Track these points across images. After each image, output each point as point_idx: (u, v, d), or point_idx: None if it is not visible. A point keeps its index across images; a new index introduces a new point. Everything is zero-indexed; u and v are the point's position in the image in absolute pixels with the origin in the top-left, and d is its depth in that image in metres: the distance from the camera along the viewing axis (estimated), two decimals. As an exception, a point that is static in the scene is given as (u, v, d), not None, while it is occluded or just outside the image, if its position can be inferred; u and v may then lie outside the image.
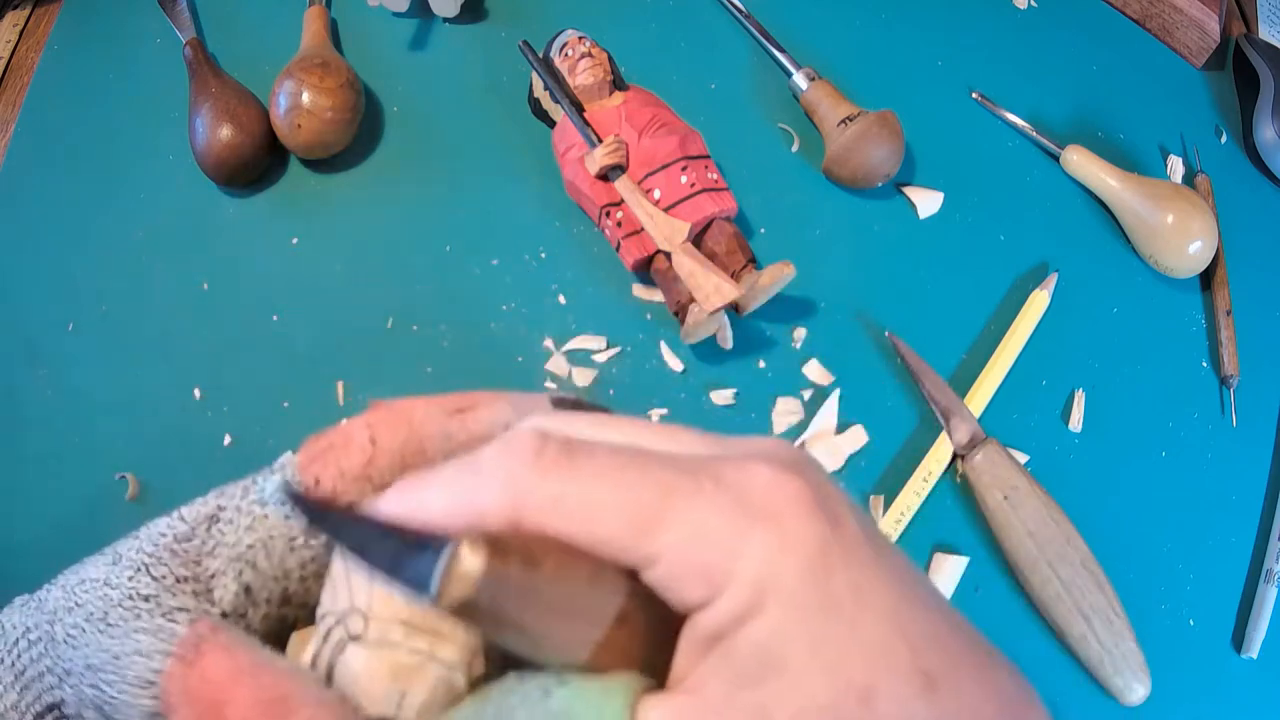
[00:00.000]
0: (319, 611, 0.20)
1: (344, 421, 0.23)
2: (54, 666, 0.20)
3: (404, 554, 0.14)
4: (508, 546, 0.15)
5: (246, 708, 0.19)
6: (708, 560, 0.16)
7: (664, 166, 0.41)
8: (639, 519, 0.16)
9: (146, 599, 0.21)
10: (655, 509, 0.16)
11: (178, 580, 0.22)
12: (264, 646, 0.22)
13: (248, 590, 0.22)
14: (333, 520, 0.15)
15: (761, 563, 0.16)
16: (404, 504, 0.17)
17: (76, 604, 0.21)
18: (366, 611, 0.19)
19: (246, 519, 0.22)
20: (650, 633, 0.17)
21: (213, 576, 0.22)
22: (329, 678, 0.20)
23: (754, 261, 0.41)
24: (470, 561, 0.14)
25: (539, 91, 0.45)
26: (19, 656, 0.20)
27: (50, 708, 0.21)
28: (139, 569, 0.21)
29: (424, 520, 0.17)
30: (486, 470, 0.17)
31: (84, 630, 0.21)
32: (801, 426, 0.40)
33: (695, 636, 0.16)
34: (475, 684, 0.19)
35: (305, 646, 0.21)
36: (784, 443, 0.19)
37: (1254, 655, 0.38)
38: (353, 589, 0.20)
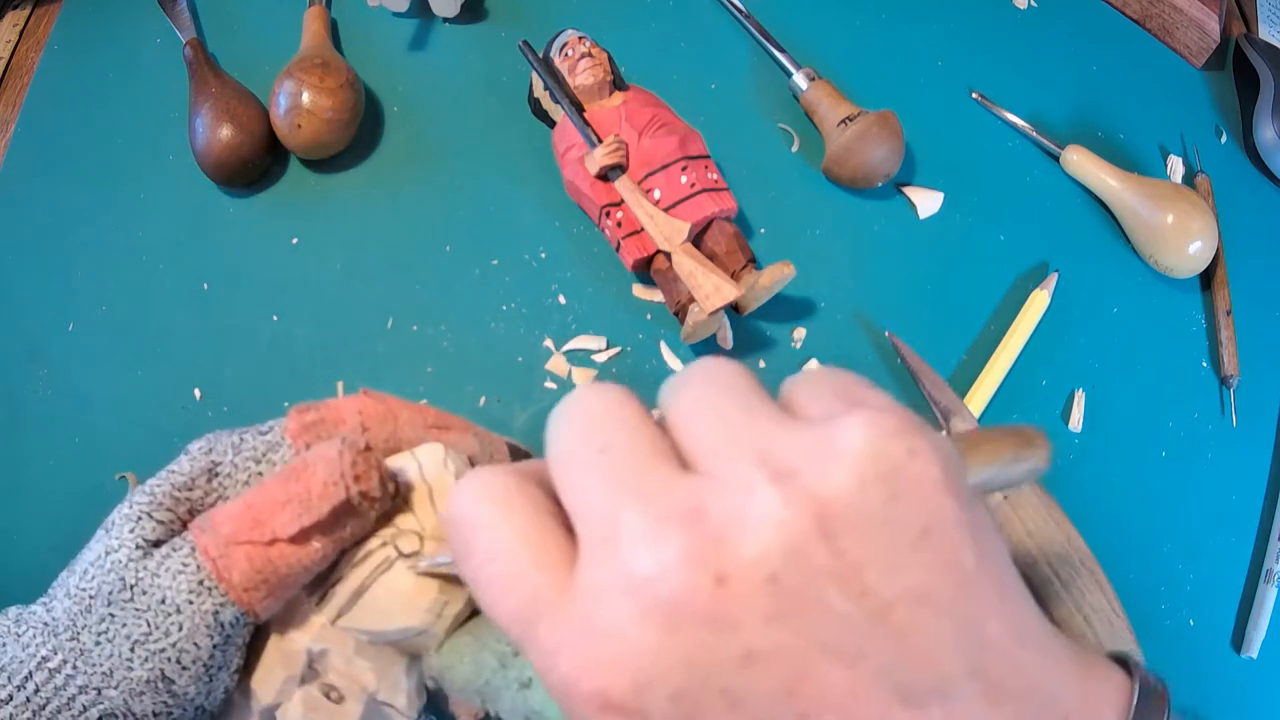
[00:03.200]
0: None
1: (333, 400, 0.25)
2: (89, 683, 0.20)
3: None
4: None
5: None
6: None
7: (664, 166, 0.41)
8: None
9: (156, 544, 0.21)
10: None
11: (183, 523, 0.22)
12: None
13: None
14: None
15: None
16: None
17: (91, 597, 0.20)
18: (422, 531, 0.22)
19: (244, 475, 0.24)
20: None
21: None
22: (357, 598, 0.22)
23: (754, 261, 0.41)
24: None
25: (539, 91, 0.45)
26: (35, 692, 0.19)
27: None
28: (139, 519, 0.21)
29: None
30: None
31: (114, 616, 0.20)
32: (801, 426, 0.40)
33: None
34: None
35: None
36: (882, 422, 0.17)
37: (1254, 655, 0.38)
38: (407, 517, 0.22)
